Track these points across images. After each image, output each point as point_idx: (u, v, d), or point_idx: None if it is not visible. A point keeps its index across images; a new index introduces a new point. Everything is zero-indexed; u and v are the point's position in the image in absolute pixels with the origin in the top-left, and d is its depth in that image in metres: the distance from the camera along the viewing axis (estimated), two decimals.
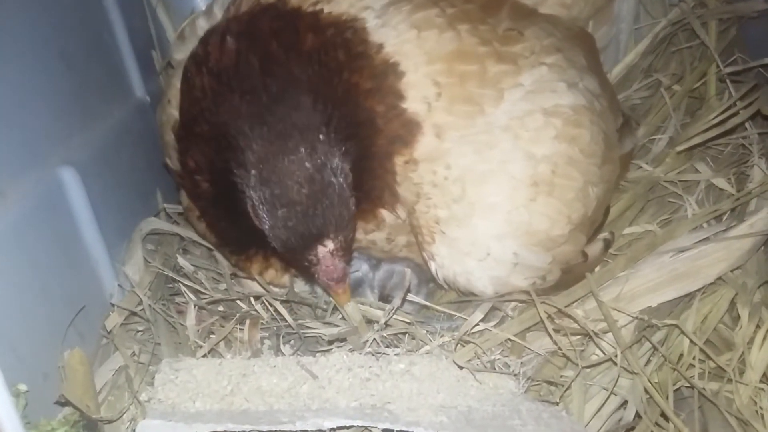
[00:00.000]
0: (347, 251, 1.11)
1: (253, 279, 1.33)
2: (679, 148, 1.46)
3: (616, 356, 1.08)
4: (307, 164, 1.03)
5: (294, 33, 1.11)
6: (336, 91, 1.09)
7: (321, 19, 1.14)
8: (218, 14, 1.35)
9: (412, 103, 1.11)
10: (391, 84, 1.11)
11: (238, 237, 1.26)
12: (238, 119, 1.06)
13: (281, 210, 1.03)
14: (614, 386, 1.08)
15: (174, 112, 1.26)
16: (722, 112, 1.44)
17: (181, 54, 1.37)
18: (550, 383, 1.13)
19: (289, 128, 1.04)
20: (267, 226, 1.06)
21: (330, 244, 1.07)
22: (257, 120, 1.05)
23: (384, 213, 1.20)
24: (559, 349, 1.12)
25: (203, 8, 1.74)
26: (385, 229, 1.24)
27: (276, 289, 1.34)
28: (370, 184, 1.15)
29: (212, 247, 1.44)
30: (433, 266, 1.19)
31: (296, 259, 1.11)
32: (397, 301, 1.18)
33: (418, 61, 1.12)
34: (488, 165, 1.12)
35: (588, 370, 1.12)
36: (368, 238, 1.25)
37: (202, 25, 1.37)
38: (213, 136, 1.11)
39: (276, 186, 1.03)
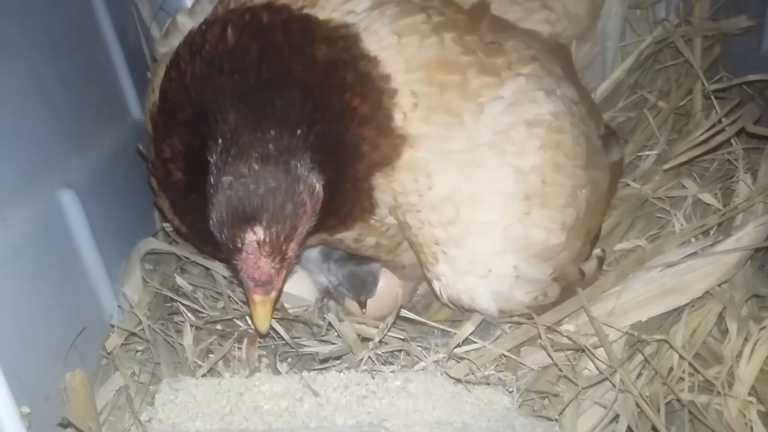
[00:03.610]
0: (277, 252, 1.04)
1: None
2: (666, 166, 1.49)
3: (611, 375, 1.10)
4: (271, 145, 1.03)
5: (309, 38, 1.10)
6: (332, 106, 1.09)
7: (333, 31, 1.13)
8: (200, 13, 1.36)
9: (396, 116, 1.12)
10: (386, 107, 1.11)
11: (207, 230, 1.14)
12: (220, 95, 1.06)
13: (226, 177, 1.02)
14: (613, 403, 1.10)
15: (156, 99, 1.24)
16: (707, 130, 1.47)
17: (164, 48, 1.39)
18: (544, 398, 1.15)
19: (268, 111, 1.04)
20: (209, 193, 1.03)
21: (260, 233, 1.02)
22: (239, 97, 1.05)
23: (355, 225, 1.21)
24: (556, 365, 1.14)
25: None
26: (355, 230, 1.23)
27: None
28: (339, 203, 1.15)
29: (210, 258, 1.45)
30: (437, 286, 1.19)
31: (223, 237, 1.04)
32: (390, 319, 1.20)
33: (397, 68, 1.12)
34: (478, 185, 1.13)
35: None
36: (335, 237, 1.24)
37: (184, 22, 1.39)
38: (194, 118, 1.10)
39: (233, 154, 1.02)
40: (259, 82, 1.06)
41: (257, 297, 1.07)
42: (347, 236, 1.24)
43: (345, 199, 1.15)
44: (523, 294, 1.17)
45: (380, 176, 1.14)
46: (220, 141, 1.04)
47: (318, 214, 1.10)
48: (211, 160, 1.04)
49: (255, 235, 1.02)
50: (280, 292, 1.11)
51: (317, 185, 1.08)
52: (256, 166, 1.01)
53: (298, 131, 1.05)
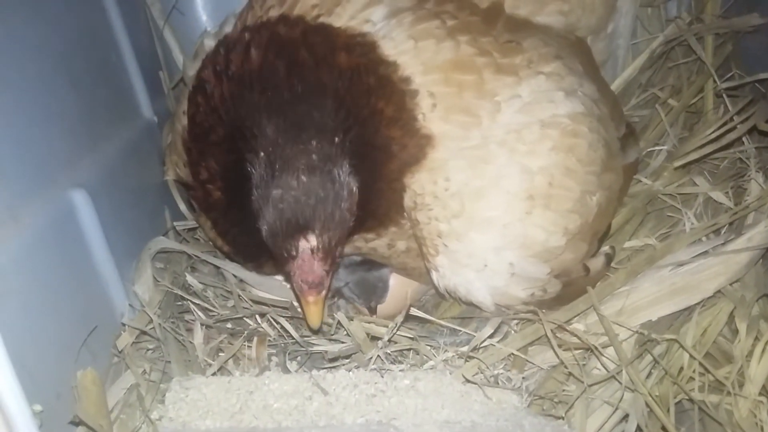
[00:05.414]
0: (329, 256, 1.10)
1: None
2: (677, 164, 1.48)
3: (618, 373, 1.10)
4: (314, 156, 1.07)
5: (330, 47, 1.13)
6: (362, 110, 1.11)
7: (351, 38, 1.16)
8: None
9: (419, 116, 1.13)
10: (409, 108, 1.13)
11: (249, 245, 1.26)
12: (255, 112, 1.10)
13: (276, 190, 1.06)
14: (619, 402, 1.10)
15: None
16: (719, 128, 1.46)
17: (193, 71, 1.40)
18: (553, 397, 1.15)
19: (306, 122, 1.08)
20: (259, 206, 1.07)
21: (313, 240, 1.07)
22: (275, 112, 1.08)
23: (390, 227, 1.23)
24: (562, 363, 1.14)
25: (209, 28, 1.79)
26: (387, 236, 1.25)
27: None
28: (376, 203, 1.17)
29: (221, 257, 1.46)
30: (435, 276, 1.20)
31: (277, 247, 1.10)
32: (399, 318, 1.20)
33: (415, 71, 1.14)
34: (484, 180, 1.14)
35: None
36: (369, 245, 1.27)
37: (211, 45, 1.39)
38: (228, 136, 1.14)
39: (278, 167, 1.06)
40: (292, 96, 1.10)
41: (311, 298, 1.13)
42: (380, 244, 1.26)
43: (381, 199, 1.18)
44: (520, 290, 1.18)
45: (410, 176, 1.16)
46: (262, 154, 1.08)
47: (355, 214, 1.13)
48: (254, 172, 1.09)
49: (308, 243, 1.07)
50: (328, 290, 1.17)
51: (354, 188, 1.11)
52: (303, 178, 1.06)
53: (336, 139, 1.08)
